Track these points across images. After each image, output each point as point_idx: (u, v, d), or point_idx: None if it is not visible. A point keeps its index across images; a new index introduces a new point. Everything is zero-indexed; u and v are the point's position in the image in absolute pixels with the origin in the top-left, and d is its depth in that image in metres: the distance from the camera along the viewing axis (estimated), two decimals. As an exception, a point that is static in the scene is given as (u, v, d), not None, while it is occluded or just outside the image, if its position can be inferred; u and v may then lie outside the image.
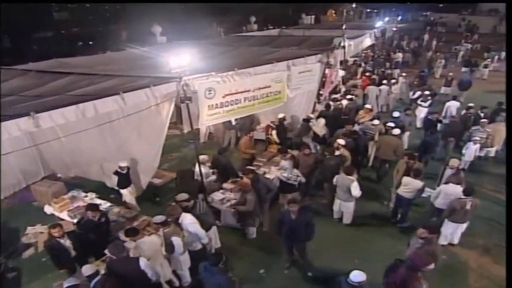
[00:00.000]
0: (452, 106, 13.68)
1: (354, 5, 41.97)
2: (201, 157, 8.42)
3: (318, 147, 10.32)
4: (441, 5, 61.48)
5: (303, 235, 6.61)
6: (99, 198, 8.72)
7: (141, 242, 6.12)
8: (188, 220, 6.43)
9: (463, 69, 22.67)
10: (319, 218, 8.65)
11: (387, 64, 22.29)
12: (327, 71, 11.33)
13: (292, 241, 6.88)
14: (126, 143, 8.36)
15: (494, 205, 9.32)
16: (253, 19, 25.25)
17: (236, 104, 7.98)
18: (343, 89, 14.52)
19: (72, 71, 8.57)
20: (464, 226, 7.47)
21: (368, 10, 49.30)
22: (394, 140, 9.87)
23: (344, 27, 13.60)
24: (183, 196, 6.82)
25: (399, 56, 24.10)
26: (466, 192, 7.00)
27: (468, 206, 6.96)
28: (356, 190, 7.72)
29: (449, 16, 46.07)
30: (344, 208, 8.24)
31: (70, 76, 8.41)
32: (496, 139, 11.09)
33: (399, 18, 32.88)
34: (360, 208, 8.64)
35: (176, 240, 6.08)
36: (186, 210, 6.59)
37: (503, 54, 25.24)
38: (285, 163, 8.28)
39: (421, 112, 13.40)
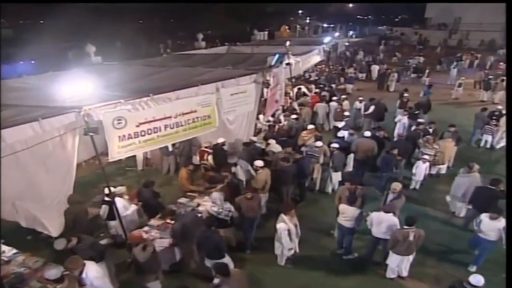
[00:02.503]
0: (401, 120, 13.34)
1: (308, 21, 42.33)
2: (117, 188, 7.57)
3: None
4: (396, 19, 64.07)
5: None
6: (5, 244, 7.52)
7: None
8: (93, 273, 5.56)
9: (412, 75, 25.24)
10: (259, 253, 7.93)
11: (342, 79, 22.11)
12: (269, 90, 10.67)
13: None
14: (34, 179, 7.31)
15: (446, 227, 8.93)
16: (200, 36, 24.59)
17: (155, 132, 7.10)
18: (296, 107, 13.95)
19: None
20: (410, 257, 6.85)
21: (325, 25, 50.06)
22: (369, 141, 10.47)
23: (288, 43, 13.06)
24: (60, 243, 5.98)
25: (375, 68, 25.09)
26: (408, 222, 6.38)
27: (411, 237, 6.34)
28: (283, 238, 6.82)
29: (403, 30, 47.62)
30: (277, 249, 7.38)
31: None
32: (445, 155, 10.74)
33: (351, 33, 33.33)
34: (303, 239, 7.89)
35: (70, 298, 5.09)
36: (73, 249, 5.91)
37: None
38: (216, 195, 7.43)
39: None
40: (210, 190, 8.69)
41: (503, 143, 13.43)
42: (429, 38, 41.41)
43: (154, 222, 7.82)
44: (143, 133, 6.90)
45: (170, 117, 7.29)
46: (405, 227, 6.39)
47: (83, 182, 10.21)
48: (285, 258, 7.44)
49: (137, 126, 6.75)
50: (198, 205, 8.31)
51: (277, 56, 10.50)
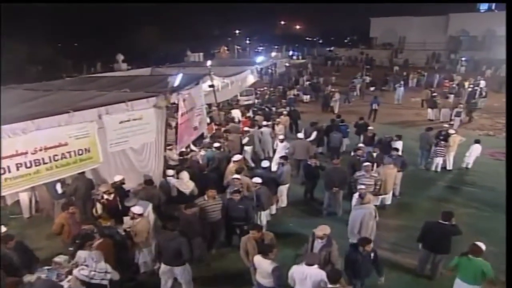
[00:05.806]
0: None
1: (248, 41, 42.51)
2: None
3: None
4: (345, 40, 66.74)
5: None
6: None
7: None
8: None
9: (371, 88, 27.13)
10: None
11: (283, 101, 21.50)
12: (180, 116, 9.51)
13: None
14: None
15: (400, 275, 7.70)
16: (121, 57, 23.58)
17: (2, 174, 5.66)
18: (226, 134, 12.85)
19: None
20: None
21: (272, 46, 50.42)
22: (305, 142, 12.23)
23: (209, 63, 12.13)
24: None
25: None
26: (332, 278, 5.26)
27: (338, 297, 5.21)
28: None
29: (351, 50, 49.16)
30: None
31: None
32: (388, 184, 9.93)
33: (291, 53, 33.54)
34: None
35: None
36: None
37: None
38: (83, 255, 6.02)
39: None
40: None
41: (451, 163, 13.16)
42: (375, 58, 42.77)
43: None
44: (-20, 177, 5.45)
45: (25, 153, 5.89)
46: (330, 285, 5.26)
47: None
48: None
49: (-28, 168, 5.31)
50: (77, 265, 6.80)
51: (180, 76, 9.38)
